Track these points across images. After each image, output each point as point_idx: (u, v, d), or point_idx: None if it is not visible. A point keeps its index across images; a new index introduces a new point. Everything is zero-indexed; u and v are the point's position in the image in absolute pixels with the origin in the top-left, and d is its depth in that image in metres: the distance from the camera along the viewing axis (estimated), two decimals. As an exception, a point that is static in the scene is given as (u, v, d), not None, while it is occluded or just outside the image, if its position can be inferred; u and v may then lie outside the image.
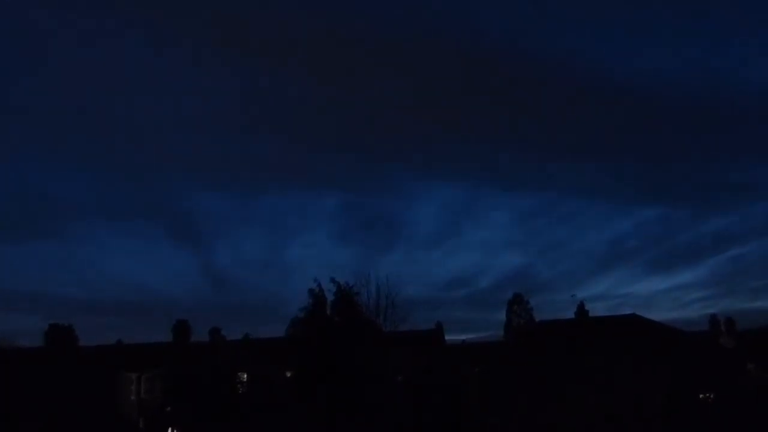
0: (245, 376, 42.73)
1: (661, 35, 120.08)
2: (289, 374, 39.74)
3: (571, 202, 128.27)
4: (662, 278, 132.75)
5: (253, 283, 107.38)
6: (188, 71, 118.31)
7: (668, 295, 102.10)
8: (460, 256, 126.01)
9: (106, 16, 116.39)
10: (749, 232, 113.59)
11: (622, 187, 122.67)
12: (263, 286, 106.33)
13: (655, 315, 77.75)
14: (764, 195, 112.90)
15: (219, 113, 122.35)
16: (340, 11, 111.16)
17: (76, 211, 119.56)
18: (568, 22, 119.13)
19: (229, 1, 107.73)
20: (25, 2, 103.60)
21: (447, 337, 49.23)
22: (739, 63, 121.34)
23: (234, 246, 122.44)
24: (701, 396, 36.26)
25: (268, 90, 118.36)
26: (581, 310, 45.92)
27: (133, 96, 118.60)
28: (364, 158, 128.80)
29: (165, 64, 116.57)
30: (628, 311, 45.80)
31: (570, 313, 46.53)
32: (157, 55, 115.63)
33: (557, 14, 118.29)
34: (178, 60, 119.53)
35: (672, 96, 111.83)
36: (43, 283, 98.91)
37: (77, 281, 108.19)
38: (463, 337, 56.31)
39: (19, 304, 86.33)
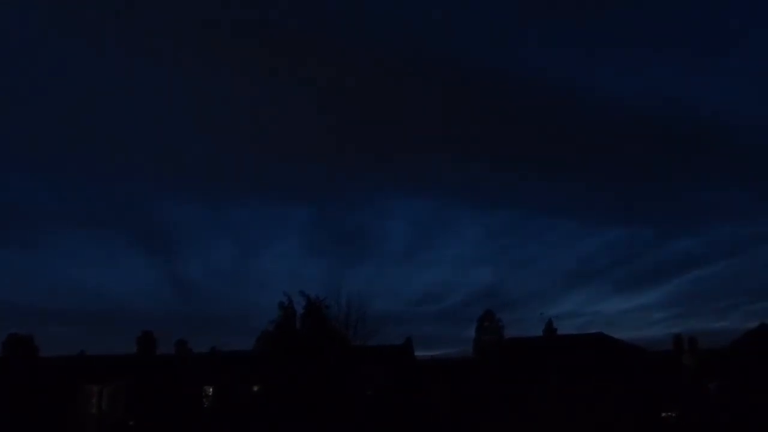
0: (211, 389, 42.04)
1: (627, 60, 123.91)
2: (256, 388, 39.26)
3: (541, 220, 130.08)
4: (628, 297, 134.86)
5: (221, 294, 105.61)
6: (160, 79, 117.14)
7: (634, 314, 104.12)
8: (431, 272, 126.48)
9: (76, 19, 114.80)
10: (713, 254, 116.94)
11: (589, 207, 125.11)
12: (232, 297, 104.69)
13: (621, 334, 79.20)
14: (727, 217, 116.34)
15: (190, 122, 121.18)
16: (316, 25, 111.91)
17: (39, 218, 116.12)
18: (541, 41, 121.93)
19: (205, 7, 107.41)
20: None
21: (416, 353, 49.23)
22: (707, 87, 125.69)
23: (202, 257, 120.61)
24: (663, 414, 36.96)
25: (240, 100, 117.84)
26: (549, 327, 46.51)
27: (102, 102, 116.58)
28: (335, 171, 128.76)
29: (136, 70, 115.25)
30: (595, 329, 46.55)
31: (539, 331, 47.10)
32: (128, 61, 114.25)
33: (531, 33, 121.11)
34: (149, 66, 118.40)
35: (639, 119, 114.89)
36: (1, 291, 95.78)
37: (38, 290, 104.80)
38: (432, 353, 56.38)
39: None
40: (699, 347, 44.58)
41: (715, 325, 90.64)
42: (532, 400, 36.93)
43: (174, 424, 38.01)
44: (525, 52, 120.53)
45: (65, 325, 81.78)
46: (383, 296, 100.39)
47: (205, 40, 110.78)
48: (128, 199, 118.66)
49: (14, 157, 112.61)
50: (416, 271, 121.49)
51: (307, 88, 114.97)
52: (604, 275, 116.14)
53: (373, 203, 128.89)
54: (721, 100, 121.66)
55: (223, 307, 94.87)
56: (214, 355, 47.46)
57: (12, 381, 41.04)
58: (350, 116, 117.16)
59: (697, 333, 49.57)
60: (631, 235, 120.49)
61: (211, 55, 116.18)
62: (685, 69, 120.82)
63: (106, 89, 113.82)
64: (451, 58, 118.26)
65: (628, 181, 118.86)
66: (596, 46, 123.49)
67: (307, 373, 33.15)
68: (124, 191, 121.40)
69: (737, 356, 40.54)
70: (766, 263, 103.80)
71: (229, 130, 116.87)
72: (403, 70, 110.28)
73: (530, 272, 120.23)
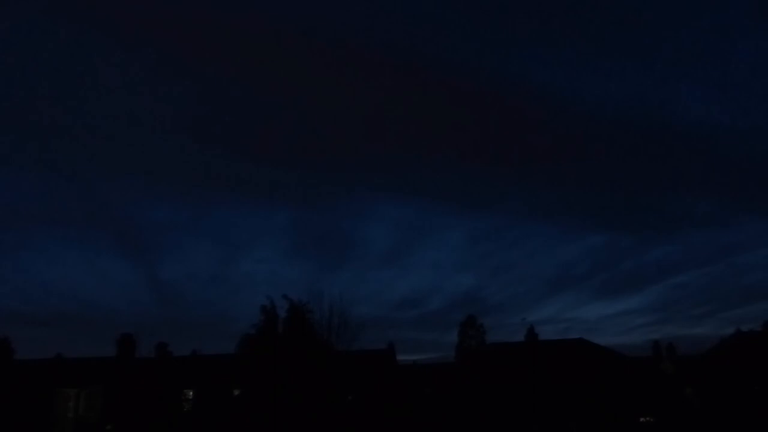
0: (191, 393, 41.63)
1: (610, 69, 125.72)
2: (237, 392, 38.92)
3: (522, 225, 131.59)
4: (608, 304, 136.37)
5: (202, 297, 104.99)
6: (142, 78, 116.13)
7: (614, 320, 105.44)
8: (412, 277, 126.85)
9: (56, 17, 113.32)
10: (692, 261, 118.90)
11: (571, 213, 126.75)
12: (213, 301, 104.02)
13: (602, 339, 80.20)
14: (705, 225, 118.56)
15: (172, 123, 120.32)
16: (297, 30, 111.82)
17: (15, 217, 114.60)
18: (523, 49, 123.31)
19: (188, 10, 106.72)
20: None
21: (398, 357, 49.29)
22: (687, 99, 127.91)
23: (184, 259, 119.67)
24: (642, 419, 37.39)
25: (223, 103, 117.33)
26: (531, 333, 46.77)
27: (81, 99, 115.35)
28: (317, 175, 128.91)
29: (118, 68, 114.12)
30: (575, 335, 47.05)
31: (520, 336, 47.36)
32: (109, 59, 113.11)
33: (513, 40, 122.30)
34: (132, 66, 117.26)
35: (620, 127, 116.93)
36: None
37: (15, 291, 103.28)
38: (414, 357, 56.42)
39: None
40: (677, 353, 45.27)
41: (693, 331, 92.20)
42: (514, 405, 37.15)
43: (153, 428, 37.52)
44: (510, 60, 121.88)
45: (42, 327, 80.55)
46: (366, 301, 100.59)
47: (192, 42, 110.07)
48: (108, 200, 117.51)
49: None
50: (398, 276, 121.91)
51: (291, 91, 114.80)
52: (584, 281, 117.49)
53: (355, 207, 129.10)
54: (700, 110, 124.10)
55: (204, 310, 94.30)
56: (195, 359, 47.01)
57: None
58: (335, 120, 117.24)
59: (676, 339, 50.42)
60: (612, 241, 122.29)
61: (196, 58, 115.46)
62: (665, 79, 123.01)
63: (89, 91, 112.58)
64: (438, 63, 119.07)
65: (608, 189, 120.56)
66: (579, 55, 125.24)
67: (289, 378, 32.94)
68: (104, 193, 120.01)
69: (714, 362, 41.21)
70: (743, 271, 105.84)
71: (211, 133, 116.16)
72: (388, 74, 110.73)
73: (512, 278, 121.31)
